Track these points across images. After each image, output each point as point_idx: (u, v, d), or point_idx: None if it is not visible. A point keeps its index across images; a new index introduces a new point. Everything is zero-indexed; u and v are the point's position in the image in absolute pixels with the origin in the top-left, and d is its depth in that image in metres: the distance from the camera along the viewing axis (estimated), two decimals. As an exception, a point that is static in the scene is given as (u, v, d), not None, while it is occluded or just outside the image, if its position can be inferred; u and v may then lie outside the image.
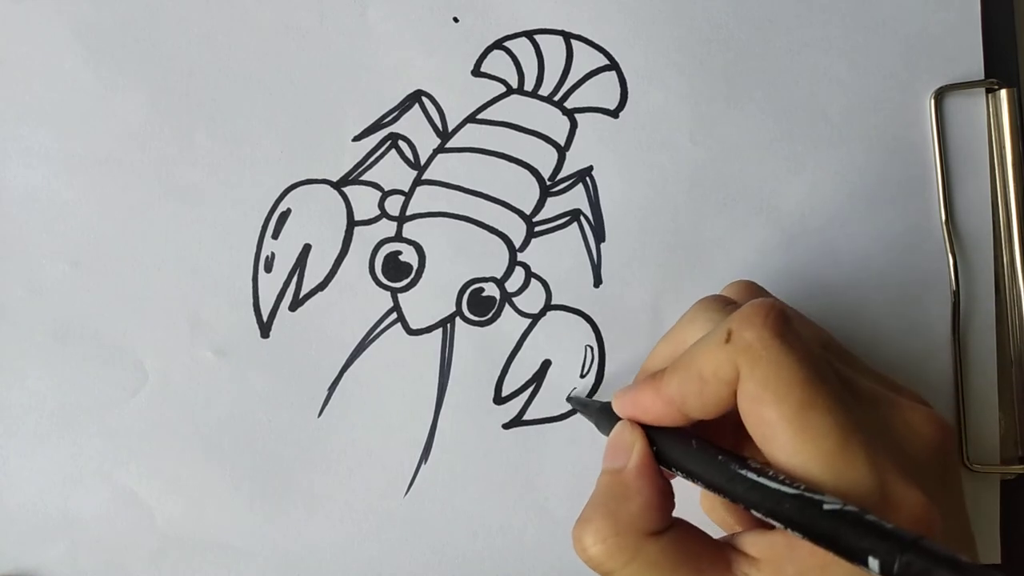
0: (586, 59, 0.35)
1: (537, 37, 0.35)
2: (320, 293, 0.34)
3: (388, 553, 0.34)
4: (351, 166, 0.34)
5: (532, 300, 0.34)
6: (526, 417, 0.34)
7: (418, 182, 0.34)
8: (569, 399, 0.34)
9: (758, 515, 0.24)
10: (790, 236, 0.35)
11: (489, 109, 0.35)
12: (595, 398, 0.34)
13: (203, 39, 0.34)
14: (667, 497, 0.27)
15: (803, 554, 0.24)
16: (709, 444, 0.26)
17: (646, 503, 0.26)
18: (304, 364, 0.34)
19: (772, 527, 0.24)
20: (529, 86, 0.35)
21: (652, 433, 0.27)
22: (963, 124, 0.35)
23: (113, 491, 0.33)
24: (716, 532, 0.27)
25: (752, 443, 0.26)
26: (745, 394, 0.24)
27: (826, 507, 0.22)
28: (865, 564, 0.21)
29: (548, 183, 0.35)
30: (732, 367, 0.24)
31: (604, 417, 0.30)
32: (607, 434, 0.29)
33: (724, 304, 0.29)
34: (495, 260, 0.34)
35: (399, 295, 0.34)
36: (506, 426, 0.34)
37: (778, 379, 0.24)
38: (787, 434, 0.24)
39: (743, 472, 0.24)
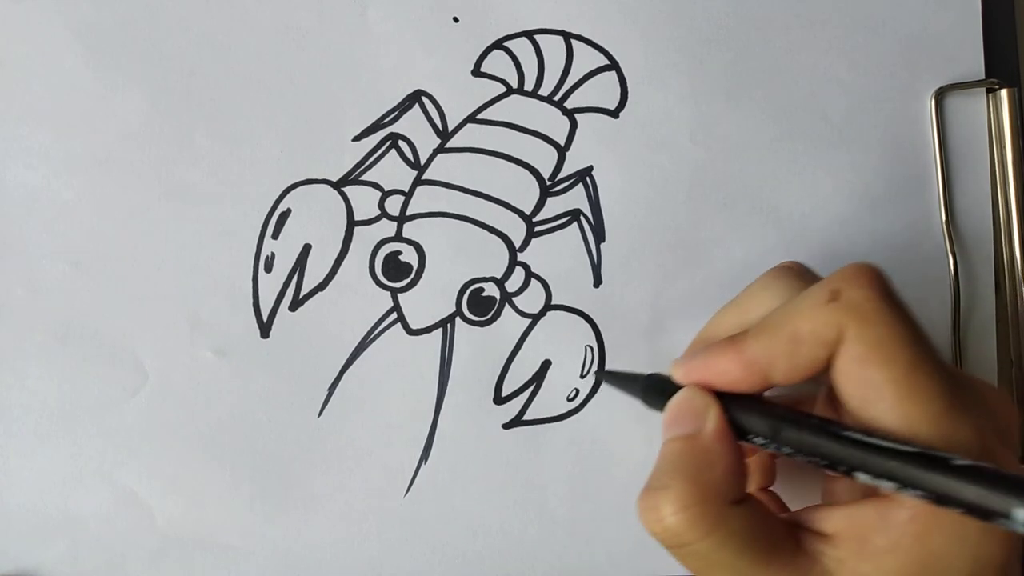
0: (586, 59, 0.35)
1: (537, 37, 0.35)
2: (320, 293, 0.34)
3: (388, 553, 0.34)
4: (351, 166, 0.34)
5: (532, 300, 0.34)
6: (526, 417, 0.34)
7: (418, 182, 0.34)
8: (601, 373, 0.33)
9: (866, 480, 0.23)
10: (790, 236, 0.35)
11: (489, 109, 0.35)
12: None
13: (203, 39, 0.34)
14: (744, 465, 0.26)
15: (899, 522, 0.23)
16: (794, 410, 0.25)
17: (729, 468, 0.25)
18: (304, 364, 0.34)
19: (844, 503, 0.24)
20: (529, 86, 0.35)
21: (723, 401, 0.26)
22: (963, 124, 0.35)
23: (113, 491, 0.33)
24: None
25: (828, 411, 0.25)
26: (849, 355, 0.24)
27: (956, 463, 0.21)
28: (1006, 517, 0.20)
29: (548, 183, 0.35)
30: (835, 328, 0.24)
31: (654, 388, 0.28)
32: (657, 407, 0.28)
33: (801, 272, 0.28)
34: (495, 260, 0.34)
35: (399, 295, 0.34)
36: (506, 426, 0.34)
37: (888, 340, 0.23)
38: (895, 396, 0.23)
39: (849, 434, 0.23)
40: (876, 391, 0.23)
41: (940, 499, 0.22)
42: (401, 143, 0.35)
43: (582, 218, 0.35)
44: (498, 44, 0.35)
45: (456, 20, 0.35)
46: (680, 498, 0.24)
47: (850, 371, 0.24)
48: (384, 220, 0.34)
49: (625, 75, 0.35)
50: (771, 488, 0.32)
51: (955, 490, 0.21)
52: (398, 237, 0.34)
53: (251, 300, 0.34)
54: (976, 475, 0.21)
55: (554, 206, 0.35)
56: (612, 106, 0.35)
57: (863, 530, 0.24)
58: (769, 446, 0.25)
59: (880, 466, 0.23)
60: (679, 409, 0.26)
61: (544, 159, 0.35)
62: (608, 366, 0.34)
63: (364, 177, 0.34)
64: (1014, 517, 0.20)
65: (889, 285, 0.24)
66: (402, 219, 0.34)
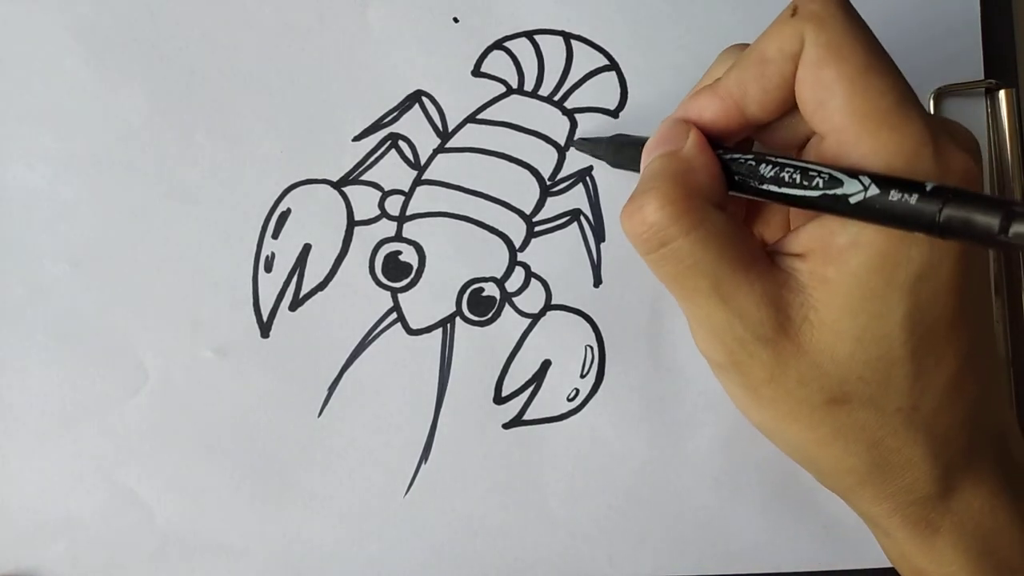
0: (586, 59, 0.35)
1: (537, 37, 0.35)
2: (320, 293, 0.34)
3: (388, 553, 0.34)
4: (351, 166, 0.34)
5: (532, 300, 0.34)
6: (526, 417, 0.34)
7: (418, 182, 0.35)
8: (575, 143, 0.33)
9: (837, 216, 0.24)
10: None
11: (489, 109, 0.35)
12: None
13: (203, 39, 0.34)
14: (724, 179, 0.26)
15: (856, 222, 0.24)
16: (766, 153, 0.26)
17: (710, 173, 0.26)
18: (304, 364, 0.34)
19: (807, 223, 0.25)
20: (529, 86, 0.35)
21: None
22: (963, 124, 0.35)
23: (113, 491, 0.33)
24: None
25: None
26: (807, 61, 0.25)
27: (928, 187, 0.22)
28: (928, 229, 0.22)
29: (548, 183, 0.35)
30: (797, 38, 0.25)
31: (627, 146, 0.29)
32: (633, 167, 0.29)
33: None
34: (495, 260, 0.34)
35: (399, 295, 0.34)
36: (506, 426, 0.34)
37: (842, 41, 0.24)
38: (847, 94, 0.24)
39: (822, 170, 0.24)
40: (829, 91, 0.24)
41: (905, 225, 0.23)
42: (401, 143, 0.35)
43: (582, 218, 0.35)
44: (498, 44, 0.35)
45: (456, 20, 0.35)
46: (665, 195, 0.25)
47: (806, 76, 0.25)
48: (384, 220, 0.34)
49: (625, 75, 0.35)
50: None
51: (888, 209, 0.23)
52: (398, 237, 0.34)
53: (251, 300, 0.34)
54: (902, 187, 0.23)
55: (554, 206, 0.35)
56: (612, 106, 0.35)
57: (825, 237, 0.25)
58: (746, 193, 0.26)
59: (840, 204, 0.24)
60: (660, 135, 0.27)
61: (544, 159, 0.35)
62: (608, 366, 0.34)
63: (364, 177, 0.34)
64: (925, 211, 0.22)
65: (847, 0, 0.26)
66: (402, 219, 0.34)
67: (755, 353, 0.26)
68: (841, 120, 0.24)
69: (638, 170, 0.29)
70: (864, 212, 0.23)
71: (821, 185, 0.24)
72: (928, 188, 0.22)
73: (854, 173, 0.23)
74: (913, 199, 0.22)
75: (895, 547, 0.28)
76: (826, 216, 0.25)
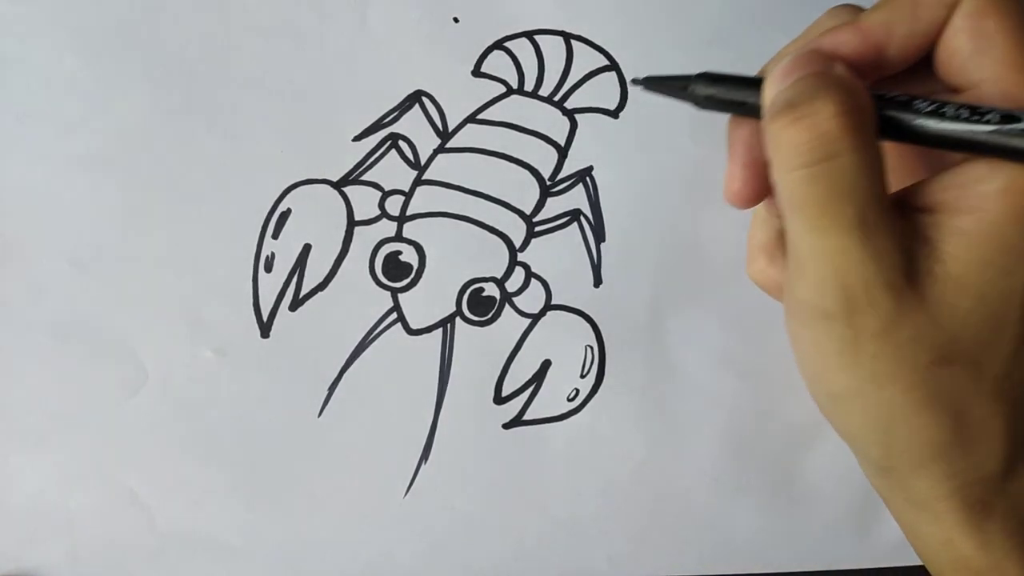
0: (586, 59, 0.35)
1: (537, 37, 0.35)
2: (320, 293, 0.34)
3: (388, 553, 0.34)
4: (351, 166, 0.34)
5: (532, 300, 0.34)
6: (526, 417, 0.34)
7: (418, 182, 0.35)
8: (641, 82, 0.30)
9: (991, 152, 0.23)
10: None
11: (489, 109, 0.35)
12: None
13: (203, 39, 0.34)
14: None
15: (991, 175, 0.23)
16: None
17: (870, 100, 0.24)
18: (304, 364, 0.34)
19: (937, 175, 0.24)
20: (529, 86, 0.35)
21: None
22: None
23: (113, 491, 0.33)
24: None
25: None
26: (967, 10, 0.24)
27: None
28: None
29: (548, 183, 0.35)
30: None
31: (726, 83, 0.27)
32: (734, 108, 0.27)
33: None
34: (495, 260, 0.34)
35: (399, 295, 0.34)
36: (506, 426, 0.34)
37: None
38: (1009, 44, 0.24)
39: (994, 107, 0.23)
40: (990, 40, 0.24)
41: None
42: (401, 143, 0.35)
43: (582, 218, 0.35)
44: (498, 44, 0.35)
45: (456, 20, 0.35)
46: (843, 102, 0.23)
47: (964, 25, 0.24)
48: (384, 220, 0.34)
49: (625, 75, 0.35)
50: None
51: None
52: (398, 237, 0.34)
53: (251, 300, 0.34)
54: None
55: (554, 206, 0.35)
56: (612, 106, 0.35)
57: (967, 185, 0.24)
58: (895, 126, 0.25)
59: (973, 136, 0.23)
60: (795, 62, 0.25)
61: (544, 159, 0.35)
62: (608, 366, 0.34)
63: (364, 177, 0.34)
64: None
65: None
66: (402, 219, 0.34)
67: (877, 300, 0.24)
68: (1002, 70, 0.24)
69: (740, 111, 0.27)
70: None
71: (996, 120, 0.23)
72: None
73: None
74: None
75: (941, 532, 0.27)
76: (969, 164, 0.24)
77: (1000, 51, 0.24)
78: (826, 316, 0.25)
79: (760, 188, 0.28)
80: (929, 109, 0.24)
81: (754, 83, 0.27)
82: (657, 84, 0.29)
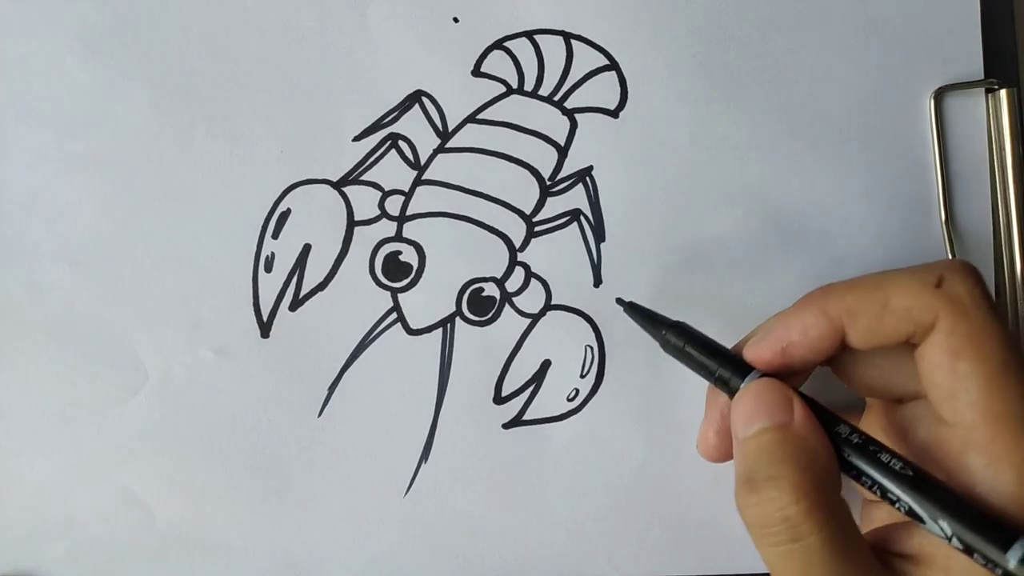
0: (586, 59, 0.35)
1: (537, 37, 0.35)
2: (320, 293, 0.34)
3: (388, 553, 0.34)
4: (351, 166, 0.34)
5: (532, 300, 0.34)
6: (526, 417, 0.34)
7: (418, 182, 0.35)
8: (625, 304, 0.32)
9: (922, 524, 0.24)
10: (790, 236, 0.35)
11: (489, 109, 0.35)
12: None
13: (203, 39, 0.34)
14: (837, 459, 0.25)
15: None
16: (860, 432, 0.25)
17: (830, 456, 0.25)
18: (304, 364, 0.34)
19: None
20: (529, 86, 0.35)
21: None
22: (963, 124, 0.35)
23: (113, 491, 0.33)
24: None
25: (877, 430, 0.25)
26: (943, 347, 0.24)
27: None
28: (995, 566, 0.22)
29: (548, 183, 0.35)
30: (932, 313, 0.24)
31: (716, 361, 0.28)
32: (693, 366, 0.28)
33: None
34: (495, 260, 0.34)
35: (399, 295, 0.34)
36: (506, 426, 0.34)
37: (982, 335, 0.24)
38: (983, 391, 0.23)
39: (904, 470, 0.24)
40: (963, 384, 0.24)
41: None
42: (401, 143, 0.35)
43: (582, 218, 0.35)
44: (498, 44, 0.35)
45: (456, 20, 0.35)
46: (799, 486, 0.24)
47: (940, 362, 0.24)
48: (384, 220, 0.34)
49: (625, 75, 0.35)
50: None
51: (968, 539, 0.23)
52: (398, 237, 0.34)
53: (251, 300, 0.34)
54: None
55: (554, 206, 0.35)
56: (612, 106, 0.35)
57: (938, 543, 0.24)
58: (854, 470, 0.25)
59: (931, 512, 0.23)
60: (758, 400, 0.26)
61: (544, 159, 0.35)
62: (608, 366, 0.34)
63: (364, 177, 0.34)
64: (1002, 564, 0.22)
65: (986, 287, 0.25)
66: (402, 219, 0.34)
67: None
68: (972, 417, 0.23)
69: (700, 373, 0.29)
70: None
71: (946, 531, 0.23)
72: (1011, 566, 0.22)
73: (1010, 536, 0.23)
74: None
75: None
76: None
77: (973, 397, 0.23)
78: None
79: (730, 451, 0.28)
80: (897, 468, 0.25)
81: (724, 356, 0.29)
82: (637, 313, 0.31)
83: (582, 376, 0.34)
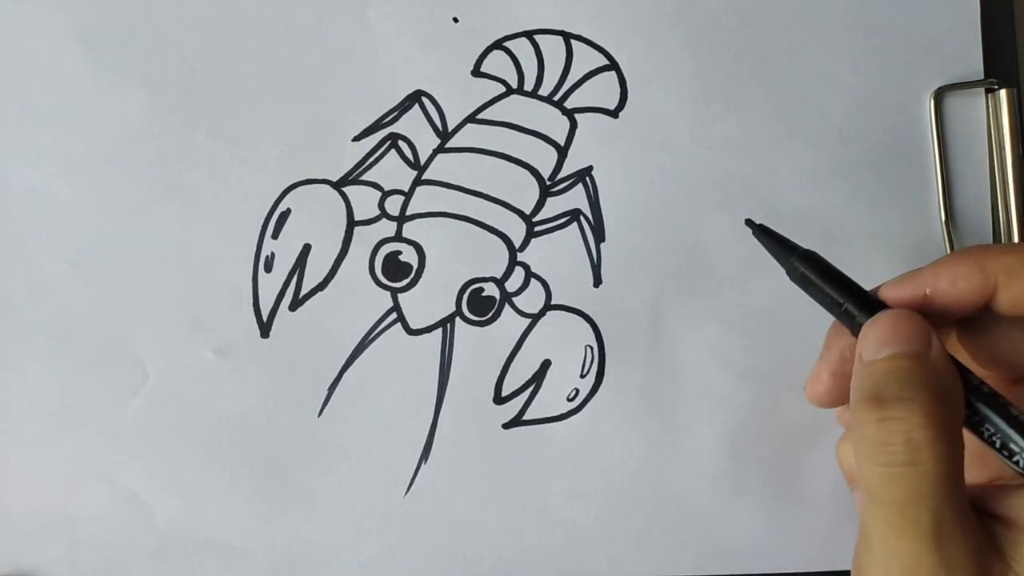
0: (586, 59, 0.35)
1: (537, 37, 0.35)
2: (320, 293, 0.34)
3: (388, 553, 0.34)
4: (351, 166, 0.34)
5: (532, 300, 0.34)
6: (526, 417, 0.34)
7: (418, 182, 0.35)
8: (756, 227, 0.30)
9: None
10: (790, 236, 0.34)
11: (489, 109, 0.35)
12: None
13: (203, 39, 0.34)
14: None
15: None
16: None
17: (961, 394, 0.24)
18: (304, 364, 0.34)
19: (1015, 487, 0.24)
20: (529, 86, 0.35)
21: None
22: (963, 124, 0.35)
23: (113, 491, 0.33)
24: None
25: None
26: None
27: None
28: None
29: (548, 183, 0.35)
30: None
31: (845, 295, 0.27)
32: (821, 299, 0.27)
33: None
34: (495, 260, 0.34)
35: (399, 295, 0.34)
36: (506, 426, 0.34)
37: None
38: None
39: None
40: None
41: None
42: (401, 143, 0.35)
43: (582, 218, 0.35)
44: (498, 44, 0.35)
45: (456, 20, 0.35)
46: (930, 411, 0.23)
47: None
48: (384, 220, 0.34)
49: (625, 75, 0.35)
50: None
51: None
52: (398, 237, 0.34)
53: (251, 300, 0.34)
54: None
55: (554, 206, 0.35)
56: (612, 106, 0.35)
57: None
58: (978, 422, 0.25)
59: None
60: (896, 326, 0.25)
61: (544, 159, 0.35)
62: (608, 366, 0.34)
63: (364, 177, 0.34)
64: None
65: None
66: (402, 219, 0.34)
67: None
68: None
69: (826, 306, 0.28)
70: None
71: None
72: None
73: None
74: None
75: None
76: None
77: None
78: None
79: (843, 397, 0.28)
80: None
81: (854, 291, 0.27)
82: (766, 236, 0.30)
83: (582, 376, 0.34)
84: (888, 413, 0.23)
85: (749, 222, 0.30)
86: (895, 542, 0.24)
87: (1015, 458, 0.24)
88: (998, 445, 0.25)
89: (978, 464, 0.28)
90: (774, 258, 0.30)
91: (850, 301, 0.27)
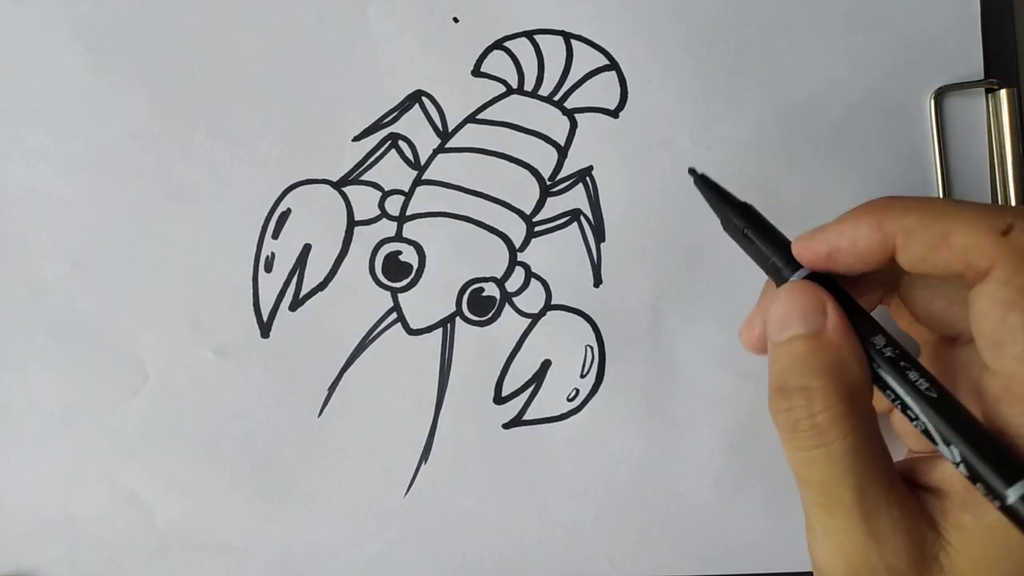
0: (586, 59, 0.35)
1: (537, 37, 0.35)
2: (320, 293, 0.34)
3: (388, 553, 0.34)
4: (351, 166, 0.34)
5: (532, 300, 0.34)
6: (526, 417, 0.34)
7: (418, 182, 0.35)
8: (698, 176, 0.30)
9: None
10: (790, 236, 0.34)
11: (489, 109, 0.35)
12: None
13: (203, 39, 0.34)
14: (870, 370, 0.25)
15: None
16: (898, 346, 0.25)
17: (863, 366, 0.25)
18: (304, 364, 0.34)
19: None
20: (529, 86, 0.35)
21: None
22: (963, 124, 0.35)
23: (113, 491, 0.33)
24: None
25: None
26: (995, 296, 0.23)
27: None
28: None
29: (548, 183, 0.35)
30: (990, 258, 0.23)
31: (781, 258, 0.28)
32: (771, 273, 0.28)
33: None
34: (495, 260, 0.34)
35: (399, 295, 0.34)
36: (506, 426, 0.34)
37: None
38: None
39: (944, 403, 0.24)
40: (1011, 335, 0.23)
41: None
42: (401, 143, 0.35)
43: (582, 218, 0.35)
44: (498, 44, 0.35)
45: (456, 20, 0.35)
46: (829, 395, 0.24)
47: (991, 311, 0.23)
48: (384, 220, 0.34)
49: (625, 75, 0.35)
50: None
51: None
52: (398, 237, 0.34)
53: (251, 300, 0.34)
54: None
55: (554, 206, 0.35)
56: (612, 106, 0.35)
57: (962, 483, 0.24)
58: (883, 385, 0.25)
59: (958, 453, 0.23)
60: (793, 303, 0.26)
61: (544, 159, 0.35)
62: (608, 366, 0.34)
63: (364, 177, 0.34)
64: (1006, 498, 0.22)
65: None
66: (402, 219, 0.34)
67: None
68: (1015, 368, 0.23)
69: (758, 260, 0.28)
70: (1010, 515, 0.23)
71: (960, 460, 0.23)
72: None
73: (1018, 472, 0.23)
74: None
75: None
76: None
77: (1019, 350, 0.23)
78: None
79: None
80: (924, 388, 0.24)
81: (782, 246, 0.28)
82: (706, 187, 0.30)
83: (582, 376, 0.34)
84: (791, 402, 0.24)
85: (692, 171, 0.30)
86: (826, 520, 0.25)
87: (915, 423, 0.24)
88: (900, 409, 0.25)
89: (915, 435, 0.28)
90: (712, 209, 0.30)
91: (778, 256, 0.28)
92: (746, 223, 0.29)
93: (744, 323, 0.30)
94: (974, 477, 0.23)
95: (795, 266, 0.28)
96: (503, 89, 0.35)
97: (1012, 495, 0.22)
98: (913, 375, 0.25)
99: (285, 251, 0.34)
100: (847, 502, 0.24)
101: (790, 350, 0.25)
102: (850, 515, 0.24)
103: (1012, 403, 0.23)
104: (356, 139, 0.34)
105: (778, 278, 0.28)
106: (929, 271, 0.25)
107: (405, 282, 0.34)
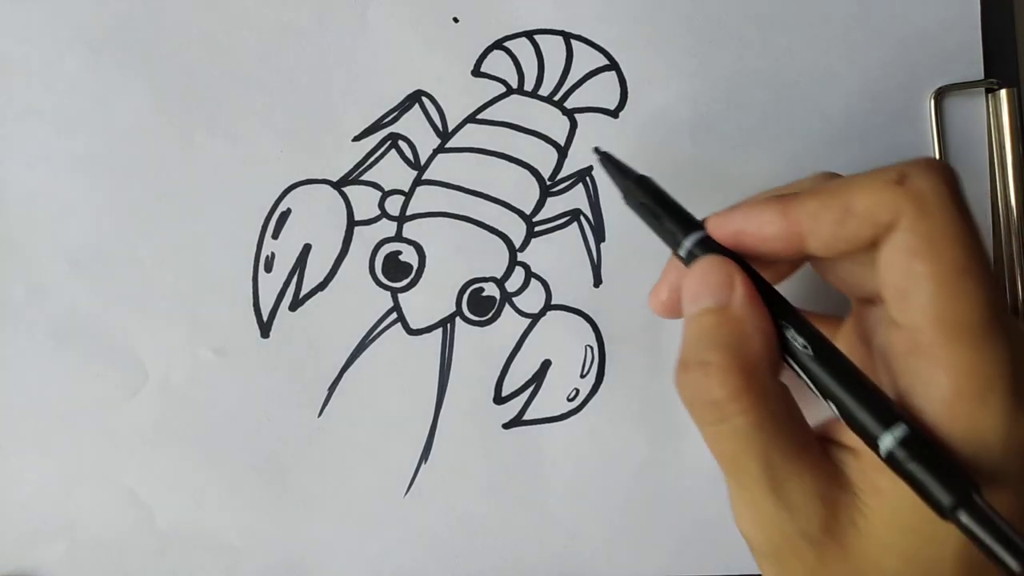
0: (586, 59, 0.35)
1: (537, 37, 0.35)
2: (320, 293, 0.34)
3: (388, 553, 0.34)
4: (351, 166, 0.34)
5: (532, 300, 0.34)
6: (526, 417, 0.34)
7: (418, 182, 0.35)
8: (600, 154, 0.30)
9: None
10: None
11: (489, 109, 0.35)
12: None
13: (203, 39, 0.34)
14: (777, 342, 0.25)
15: None
16: (804, 319, 0.25)
17: (767, 339, 0.24)
18: (304, 364, 0.34)
19: None
20: (529, 86, 0.35)
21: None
22: (963, 124, 0.35)
23: (113, 491, 0.33)
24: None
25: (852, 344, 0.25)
26: (899, 245, 0.23)
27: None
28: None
29: (548, 183, 0.35)
30: (892, 211, 0.23)
31: (679, 228, 0.27)
32: (669, 243, 0.27)
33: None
34: (495, 260, 0.34)
35: (399, 295, 0.34)
36: (506, 426, 0.34)
37: (943, 236, 0.22)
38: (935, 295, 0.22)
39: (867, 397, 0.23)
40: (917, 285, 0.22)
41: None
42: (401, 143, 0.35)
43: (582, 218, 0.35)
44: (498, 44, 0.35)
45: (456, 20, 0.35)
46: (726, 369, 0.24)
47: (895, 261, 0.23)
48: (384, 220, 0.34)
49: (625, 75, 0.35)
50: None
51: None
52: (398, 237, 0.34)
53: (251, 300, 0.34)
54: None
55: (554, 206, 0.35)
56: (612, 106, 0.35)
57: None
58: (791, 356, 0.25)
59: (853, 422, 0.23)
60: (701, 279, 0.26)
61: (544, 159, 0.35)
62: (608, 366, 0.34)
63: (364, 177, 0.34)
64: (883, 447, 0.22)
65: (959, 185, 0.23)
66: (402, 219, 0.34)
67: (798, 550, 0.24)
68: (922, 320, 0.22)
69: (659, 232, 0.28)
70: (890, 463, 0.22)
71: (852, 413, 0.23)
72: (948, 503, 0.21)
73: (893, 418, 0.22)
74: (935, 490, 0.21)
75: None
76: None
77: (925, 299, 0.22)
78: (761, 554, 0.26)
79: (679, 309, 0.28)
80: (801, 350, 0.24)
81: (686, 219, 0.28)
82: (609, 163, 0.30)
83: (582, 376, 0.34)
84: (691, 377, 0.24)
85: (596, 149, 0.30)
86: (738, 492, 0.25)
87: (808, 385, 0.24)
88: (797, 374, 0.25)
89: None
90: (615, 185, 0.30)
91: (678, 227, 0.27)
92: (647, 196, 0.28)
93: (653, 289, 0.30)
94: (853, 428, 0.23)
95: (690, 233, 0.27)
96: (503, 89, 0.35)
97: (887, 437, 0.22)
98: (791, 334, 0.24)
99: (285, 251, 0.34)
100: (754, 473, 0.24)
101: (699, 323, 0.25)
102: (758, 485, 0.24)
103: (918, 357, 0.23)
104: (356, 139, 0.35)
105: (677, 248, 0.27)
106: (842, 248, 0.24)
107: (405, 282, 0.34)
